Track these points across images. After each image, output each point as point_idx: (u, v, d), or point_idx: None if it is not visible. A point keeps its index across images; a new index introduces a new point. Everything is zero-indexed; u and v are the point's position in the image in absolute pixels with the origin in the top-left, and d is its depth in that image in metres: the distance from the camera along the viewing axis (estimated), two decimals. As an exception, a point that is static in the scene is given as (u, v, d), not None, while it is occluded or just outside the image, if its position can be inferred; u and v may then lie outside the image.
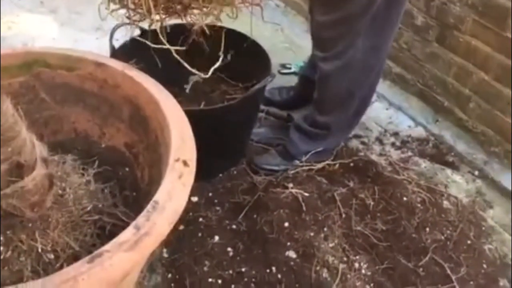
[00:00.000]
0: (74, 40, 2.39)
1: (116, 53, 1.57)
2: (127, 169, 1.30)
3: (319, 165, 1.66)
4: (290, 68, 2.20)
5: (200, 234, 1.44)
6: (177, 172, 0.99)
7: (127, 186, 1.26)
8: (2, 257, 0.94)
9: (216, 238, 1.43)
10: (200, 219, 1.48)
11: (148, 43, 1.35)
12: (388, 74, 2.09)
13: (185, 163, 1.02)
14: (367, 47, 1.42)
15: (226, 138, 1.56)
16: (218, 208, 1.53)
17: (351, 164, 1.70)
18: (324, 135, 1.65)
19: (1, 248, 0.94)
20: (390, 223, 1.52)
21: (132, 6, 1.35)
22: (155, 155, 1.19)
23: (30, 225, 0.97)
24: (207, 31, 1.46)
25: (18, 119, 0.90)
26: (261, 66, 1.61)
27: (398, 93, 2.08)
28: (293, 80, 2.08)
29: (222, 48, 1.46)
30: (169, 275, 1.35)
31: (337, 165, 1.68)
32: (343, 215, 1.50)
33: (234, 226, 1.46)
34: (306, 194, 1.53)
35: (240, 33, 1.66)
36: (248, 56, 1.62)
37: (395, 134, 1.91)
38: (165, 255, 1.40)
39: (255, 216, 1.47)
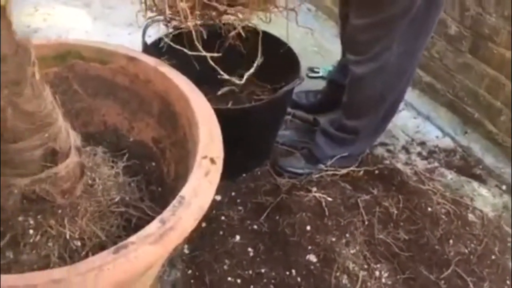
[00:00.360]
0: (106, 35, 2.43)
1: (148, 49, 1.59)
2: (153, 163, 1.31)
3: (344, 171, 1.65)
4: (318, 72, 2.19)
5: (221, 233, 1.45)
6: (204, 169, 1.00)
7: (153, 180, 1.27)
8: (31, 240, 0.96)
9: (237, 237, 1.44)
10: (222, 218, 1.48)
11: (184, 49, 1.36)
12: (417, 83, 2.06)
13: (212, 161, 1.03)
14: (402, 51, 1.41)
15: (252, 138, 1.57)
16: (240, 207, 1.53)
17: (376, 172, 1.69)
18: (351, 140, 1.64)
19: (31, 231, 0.96)
20: (413, 233, 1.50)
21: (169, 14, 1.37)
22: (182, 151, 1.20)
23: (60, 211, 0.99)
24: (243, 35, 1.49)
25: (56, 107, 0.92)
26: (291, 69, 1.61)
27: (427, 103, 2.06)
28: (320, 84, 2.07)
29: (259, 53, 1.47)
30: (189, 271, 1.36)
31: (361, 172, 1.67)
32: (366, 222, 1.49)
33: (255, 227, 1.47)
34: (330, 199, 1.52)
35: (272, 35, 1.66)
36: (278, 58, 1.62)
37: (422, 143, 1.89)
38: (186, 251, 1.41)
39: (277, 217, 1.47)
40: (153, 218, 1.15)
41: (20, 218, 0.96)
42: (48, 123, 0.90)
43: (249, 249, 1.41)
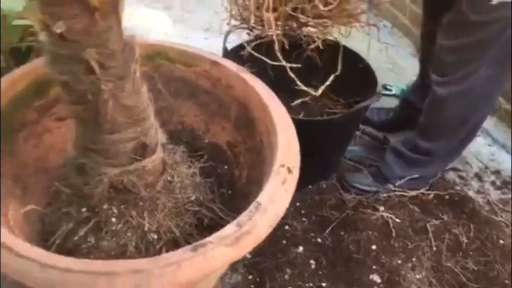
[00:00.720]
0: (184, 37, 2.51)
1: (228, 54, 1.62)
2: (226, 166, 1.34)
3: (413, 193, 1.61)
4: (391, 90, 2.16)
5: (284, 242, 1.45)
6: (281, 177, 1.01)
7: (224, 183, 1.30)
8: (113, 228, 1.01)
9: (300, 248, 1.44)
10: (286, 227, 1.49)
11: (264, 58, 1.39)
12: (497, 110, 1.98)
13: (289, 170, 1.04)
14: (489, 75, 1.37)
15: (322, 151, 1.56)
16: (304, 219, 1.53)
17: (446, 197, 1.63)
18: (424, 162, 1.60)
19: (114, 220, 1.01)
20: (482, 265, 1.44)
21: (253, 23, 1.40)
22: (257, 157, 1.22)
23: (141, 203, 1.03)
24: (321, 47, 1.50)
25: (150, 104, 0.97)
26: (366, 85, 1.60)
27: (504, 131, 1.98)
28: (392, 102, 2.04)
29: (338, 67, 1.47)
30: (250, 277, 1.38)
31: (431, 196, 1.62)
32: (434, 248, 1.44)
33: (319, 240, 1.46)
34: (397, 220, 1.49)
35: (349, 49, 1.66)
36: (353, 73, 1.61)
37: (497, 172, 1.81)
38: (248, 256, 1.42)
39: (342, 233, 1.46)
40: (224, 220, 1.19)
41: (105, 206, 1.01)
42: (142, 118, 0.95)
43: (311, 261, 1.40)
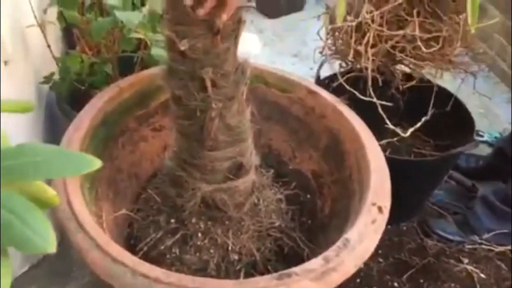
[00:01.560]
0: (271, 61, 2.55)
1: (320, 83, 1.62)
2: (308, 196, 1.33)
3: (500, 248, 1.51)
4: (482, 136, 2.05)
5: (358, 281, 1.41)
6: (372, 216, 0.99)
7: (305, 212, 1.29)
8: (198, 243, 1.02)
9: (375, 290, 1.39)
10: (361, 265, 1.44)
11: (356, 92, 1.37)
12: None
13: (380, 210, 1.01)
14: None
15: (407, 192, 1.50)
16: (381, 259, 1.48)
17: (537, 258, 1.52)
18: (516, 216, 1.50)
19: (200, 235, 1.03)
20: None
21: (351, 58, 1.39)
22: (344, 191, 1.20)
23: (227, 222, 1.05)
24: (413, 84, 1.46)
25: (250, 126, 0.99)
26: (461, 129, 1.53)
27: None
28: (483, 149, 1.94)
29: (430, 107, 1.43)
30: (318, 311, 1.34)
31: (520, 254, 1.51)
32: (520, 311, 1.34)
33: (395, 284, 1.40)
34: (483, 276, 1.40)
35: (444, 89, 1.60)
36: (446, 114, 1.55)
37: None
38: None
39: (421, 281, 1.39)
40: (301, 249, 1.17)
41: (193, 220, 1.04)
42: (242, 139, 0.98)
43: (385, 306, 1.35)
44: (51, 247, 0.40)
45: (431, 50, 1.34)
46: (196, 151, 0.97)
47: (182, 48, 0.83)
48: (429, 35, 1.33)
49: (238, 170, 1.00)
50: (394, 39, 1.36)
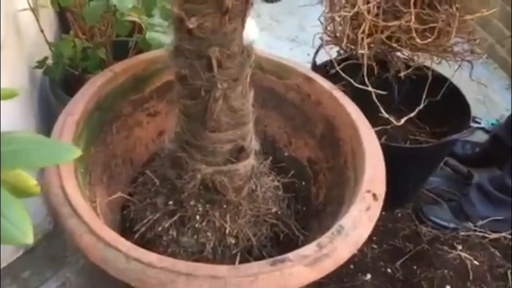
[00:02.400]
0: (269, 46, 2.52)
1: (316, 69, 1.61)
2: (303, 183, 1.32)
3: (495, 235, 1.52)
4: (479, 123, 2.05)
5: (352, 267, 1.42)
6: (366, 203, 0.98)
7: (300, 199, 1.29)
8: (196, 225, 1.03)
9: (368, 276, 1.39)
10: (356, 252, 1.44)
11: (351, 80, 1.36)
12: None
13: (374, 197, 1.01)
14: None
15: (402, 179, 1.50)
16: (375, 246, 1.48)
17: (531, 244, 1.53)
18: (511, 203, 1.50)
19: (198, 217, 1.03)
20: None
21: (347, 43, 1.38)
22: (338, 178, 1.20)
23: (225, 206, 1.05)
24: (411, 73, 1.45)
25: (252, 110, 0.99)
26: (457, 115, 1.53)
27: None
28: (480, 136, 1.94)
29: (424, 95, 1.42)
30: (312, 297, 1.35)
31: (515, 241, 1.52)
32: (513, 298, 1.35)
33: (389, 270, 1.41)
34: (476, 263, 1.41)
35: (441, 75, 1.58)
36: (442, 100, 1.54)
37: None
38: (314, 275, 1.39)
39: (414, 267, 1.40)
40: (296, 237, 1.17)
41: (192, 202, 1.04)
42: (244, 122, 0.98)
43: (379, 292, 1.36)
44: (29, 239, 0.40)
45: (426, 41, 1.33)
46: (198, 132, 0.97)
47: (191, 26, 0.83)
48: (425, 26, 1.33)
49: (239, 153, 1.00)
50: (389, 30, 1.35)
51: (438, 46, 1.39)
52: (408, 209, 1.62)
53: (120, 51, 1.36)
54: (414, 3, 1.32)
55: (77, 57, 1.34)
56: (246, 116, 0.98)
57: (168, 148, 1.06)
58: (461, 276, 1.37)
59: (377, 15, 1.34)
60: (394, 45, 1.38)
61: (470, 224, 1.54)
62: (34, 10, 1.30)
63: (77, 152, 0.44)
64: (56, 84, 1.36)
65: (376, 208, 0.99)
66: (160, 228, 1.06)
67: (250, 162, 1.03)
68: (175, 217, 1.04)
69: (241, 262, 1.05)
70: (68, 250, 1.39)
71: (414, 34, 1.31)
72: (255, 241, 1.06)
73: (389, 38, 1.37)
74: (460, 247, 1.46)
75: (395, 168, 1.45)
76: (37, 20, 1.33)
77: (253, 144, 1.04)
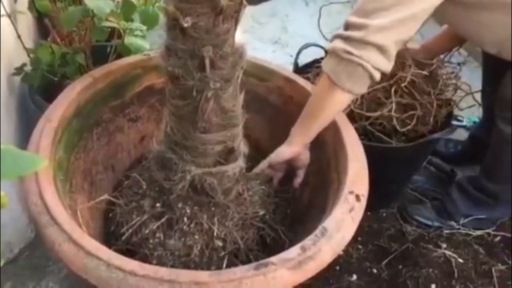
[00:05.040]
0: (252, 49, 2.51)
1: (298, 71, 1.61)
2: (287, 186, 1.32)
3: (478, 232, 1.53)
4: (462, 121, 2.07)
5: (337, 268, 1.42)
6: (349, 205, 0.98)
7: (286, 202, 1.28)
8: (184, 228, 1.01)
9: (354, 277, 1.39)
10: (341, 253, 1.45)
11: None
12: None
13: (357, 198, 1.01)
14: None
15: (386, 178, 1.51)
16: (360, 246, 1.49)
17: (514, 241, 1.54)
18: (491, 204, 1.51)
19: (185, 219, 1.02)
20: (549, 320, 1.34)
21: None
22: (321, 180, 1.19)
23: (213, 209, 1.04)
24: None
25: (241, 112, 0.98)
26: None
27: None
28: (463, 134, 1.96)
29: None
30: (299, 299, 1.35)
31: (498, 238, 1.53)
32: (498, 295, 1.36)
33: (374, 270, 1.41)
34: (461, 260, 1.42)
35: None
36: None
37: None
38: (300, 277, 1.39)
39: (400, 266, 1.40)
40: (283, 240, 1.17)
41: (180, 205, 1.03)
42: (234, 124, 0.98)
43: (365, 292, 1.36)
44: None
45: (406, 128, 1.39)
46: (189, 133, 0.97)
47: (185, 25, 0.83)
48: (405, 114, 1.40)
49: (228, 155, 1.00)
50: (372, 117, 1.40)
51: (417, 131, 1.43)
52: (393, 209, 1.63)
53: (100, 56, 1.34)
54: (395, 91, 1.39)
55: (55, 63, 1.33)
56: (236, 117, 0.98)
57: (155, 150, 1.05)
58: (446, 274, 1.38)
59: (361, 103, 1.41)
60: (377, 133, 1.41)
61: (453, 223, 1.55)
62: (11, 16, 1.28)
63: (42, 163, 0.43)
64: (35, 90, 1.35)
65: (359, 209, 0.99)
66: (146, 231, 1.04)
67: (239, 164, 1.03)
68: (163, 219, 1.03)
69: (228, 265, 1.04)
70: (51, 260, 1.37)
71: (395, 122, 1.38)
72: (242, 244, 1.05)
73: (372, 124, 1.42)
74: (444, 245, 1.47)
75: (379, 168, 1.46)
76: (14, 26, 1.31)
77: (242, 146, 1.04)
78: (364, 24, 1.05)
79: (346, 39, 1.07)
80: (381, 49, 1.05)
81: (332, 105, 1.12)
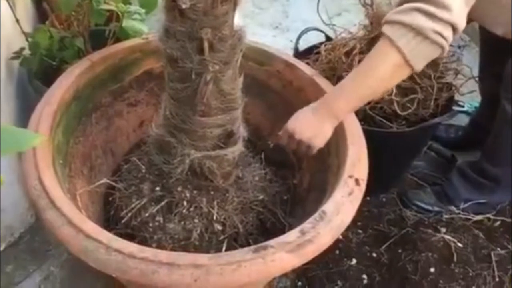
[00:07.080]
0: (252, 34, 2.44)
1: (298, 55, 1.60)
2: (287, 170, 1.32)
3: (478, 217, 1.53)
4: (463, 106, 2.06)
5: (337, 252, 1.42)
6: (349, 188, 0.98)
7: (285, 187, 1.28)
8: (183, 211, 1.02)
9: (354, 261, 1.40)
10: (340, 237, 1.45)
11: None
12: None
13: (357, 182, 1.01)
14: None
15: (386, 163, 1.50)
16: (360, 231, 1.49)
17: (514, 225, 1.54)
18: (491, 187, 1.51)
19: (185, 203, 1.02)
20: (548, 303, 1.35)
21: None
22: (321, 164, 1.19)
23: (213, 192, 1.04)
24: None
25: (241, 96, 0.98)
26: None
27: None
28: (463, 120, 1.95)
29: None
30: (299, 283, 1.35)
31: (498, 223, 1.53)
32: (497, 279, 1.36)
33: (374, 254, 1.41)
34: (460, 245, 1.42)
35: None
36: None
37: None
38: (299, 261, 1.40)
39: (399, 251, 1.41)
40: (282, 224, 1.17)
41: (179, 188, 1.03)
42: (233, 107, 0.97)
43: (364, 276, 1.36)
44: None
45: (407, 112, 1.38)
46: (188, 117, 0.96)
47: (184, 6, 0.82)
48: (406, 98, 1.38)
49: (227, 138, 1.00)
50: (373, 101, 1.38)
51: (417, 115, 1.42)
52: (393, 194, 1.63)
53: (98, 40, 1.33)
54: None
55: (54, 47, 1.32)
56: (235, 100, 0.98)
57: (154, 134, 1.04)
58: (445, 259, 1.39)
59: None
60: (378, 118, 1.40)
61: (453, 208, 1.55)
62: (9, 0, 1.27)
63: (40, 138, 0.43)
64: (34, 75, 1.34)
65: (359, 193, 0.99)
66: (146, 215, 1.05)
67: (238, 147, 1.03)
68: (162, 203, 1.03)
69: (227, 249, 1.05)
70: (51, 243, 1.38)
71: (395, 106, 1.36)
72: (241, 228, 1.06)
73: (372, 108, 1.40)
74: (444, 230, 1.47)
75: (379, 153, 1.46)
76: (13, 10, 1.30)
77: (241, 130, 1.04)
78: (449, 4, 0.97)
79: (431, 16, 0.97)
80: (457, 31, 1.00)
81: (393, 82, 1.08)
